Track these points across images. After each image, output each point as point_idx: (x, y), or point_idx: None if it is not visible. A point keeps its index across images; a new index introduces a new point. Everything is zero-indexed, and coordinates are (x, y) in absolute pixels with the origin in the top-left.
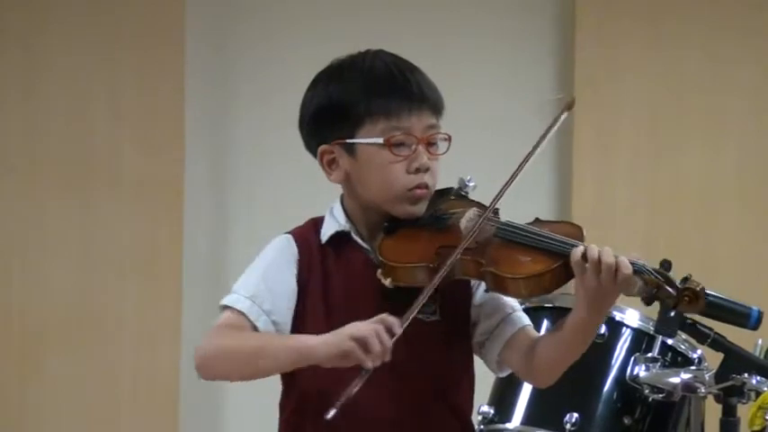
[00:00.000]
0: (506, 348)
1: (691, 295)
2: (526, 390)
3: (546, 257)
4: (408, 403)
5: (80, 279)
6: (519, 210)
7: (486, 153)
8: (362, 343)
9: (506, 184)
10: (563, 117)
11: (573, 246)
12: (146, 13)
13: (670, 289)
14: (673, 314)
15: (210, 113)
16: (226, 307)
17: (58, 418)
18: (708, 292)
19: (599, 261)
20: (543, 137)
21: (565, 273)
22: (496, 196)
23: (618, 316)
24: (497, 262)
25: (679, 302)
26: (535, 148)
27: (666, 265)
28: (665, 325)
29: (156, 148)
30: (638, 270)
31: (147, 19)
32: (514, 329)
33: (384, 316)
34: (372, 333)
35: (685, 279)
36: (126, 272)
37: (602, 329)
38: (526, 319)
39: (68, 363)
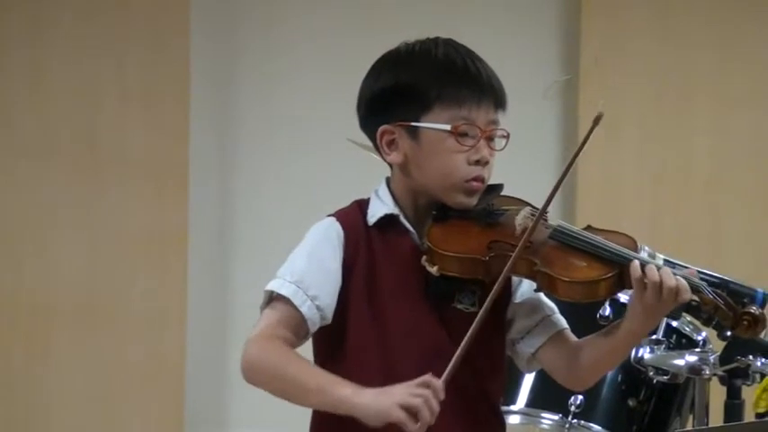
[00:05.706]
0: (545, 348)
1: (750, 320)
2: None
3: (602, 265)
4: (452, 399)
5: (88, 260)
6: (522, 191)
7: None
8: (413, 413)
9: (560, 179)
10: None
11: (630, 257)
12: None
13: (728, 311)
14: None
15: (216, 95)
16: (270, 293)
17: (65, 399)
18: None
19: (661, 284)
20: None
21: (619, 282)
22: (550, 195)
23: (623, 298)
24: (552, 264)
25: (737, 325)
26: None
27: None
28: None
29: (161, 129)
30: (697, 290)
31: (153, 0)
32: (555, 330)
33: (429, 378)
34: (423, 403)
35: (744, 303)
36: (132, 252)
37: (607, 311)
38: (564, 323)
39: (76, 344)
